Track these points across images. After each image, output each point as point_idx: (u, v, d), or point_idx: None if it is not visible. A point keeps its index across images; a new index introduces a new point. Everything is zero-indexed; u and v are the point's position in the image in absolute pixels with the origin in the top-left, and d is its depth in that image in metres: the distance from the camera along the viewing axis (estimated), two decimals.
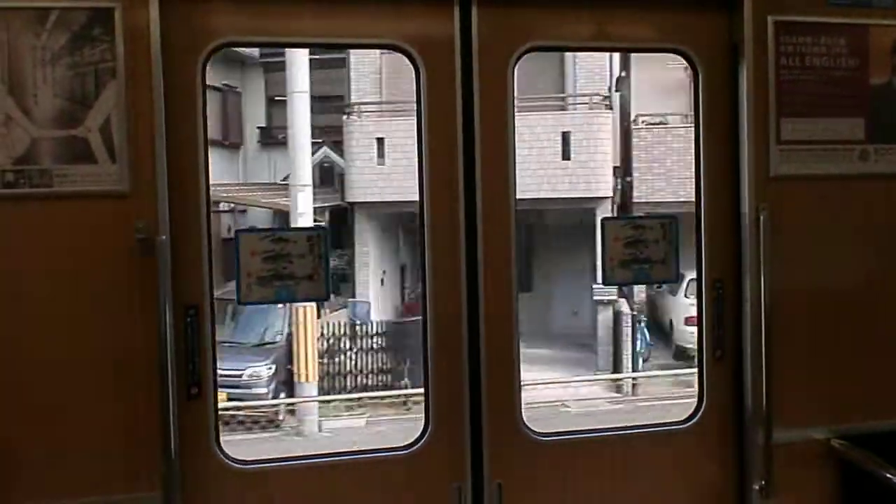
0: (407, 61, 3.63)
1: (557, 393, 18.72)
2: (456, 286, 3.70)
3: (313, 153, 19.98)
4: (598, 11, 3.83)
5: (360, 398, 19.00)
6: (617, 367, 21.02)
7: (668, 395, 18.00)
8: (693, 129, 3.97)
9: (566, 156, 21.63)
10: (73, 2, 3.25)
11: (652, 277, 4.01)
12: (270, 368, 18.69)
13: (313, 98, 18.67)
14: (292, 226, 17.13)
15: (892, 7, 3.97)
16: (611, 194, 22.06)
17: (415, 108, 3.70)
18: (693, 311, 18.56)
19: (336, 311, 21.40)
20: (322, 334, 19.79)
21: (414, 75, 3.67)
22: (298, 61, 17.94)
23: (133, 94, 3.30)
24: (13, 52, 3.22)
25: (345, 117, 22.69)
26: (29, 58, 3.23)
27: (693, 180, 3.97)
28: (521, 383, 3.84)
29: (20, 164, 3.25)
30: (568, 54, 20.90)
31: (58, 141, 3.27)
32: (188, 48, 3.42)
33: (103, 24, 3.28)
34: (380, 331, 20.69)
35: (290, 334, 18.79)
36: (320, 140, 23.79)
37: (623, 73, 24.28)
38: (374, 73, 22.48)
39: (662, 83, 21.39)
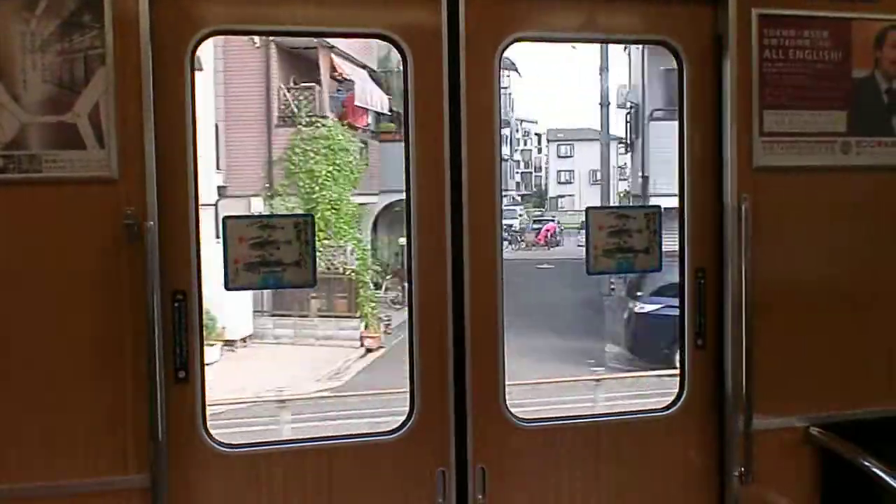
0: None
1: None
2: (441, 273, 3.73)
3: None
4: (585, 3, 3.86)
5: None
6: None
7: None
8: (677, 119, 4.02)
9: None
10: None
11: (635, 267, 4.05)
12: None
13: None
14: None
15: (875, 1, 4.01)
16: None
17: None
18: None
19: None
20: None
21: (401, 64, 3.70)
22: None
23: (122, 81, 3.32)
24: (2, 38, 3.23)
25: None
26: (18, 44, 3.25)
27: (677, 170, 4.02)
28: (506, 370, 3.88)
29: (9, 149, 3.26)
30: None
31: (47, 126, 3.29)
32: (177, 35, 3.44)
33: (93, 11, 3.29)
34: None
35: None
36: None
37: None
38: None
39: None
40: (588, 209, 4.03)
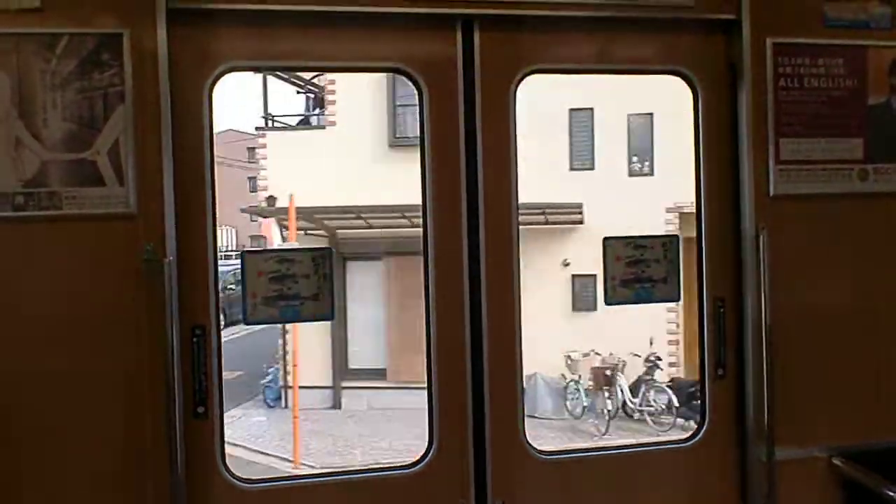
0: None
1: None
2: (459, 305, 3.73)
3: None
4: (599, 35, 3.88)
5: None
6: None
7: None
8: (694, 149, 4.02)
9: None
10: (83, 27, 3.31)
11: (654, 297, 4.03)
12: None
13: None
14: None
15: (890, 28, 4.02)
16: None
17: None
18: None
19: None
20: None
21: (417, 98, 3.72)
22: None
23: (141, 118, 3.35)
24: (24, 77, 3.28)
25: None
26: (39, 82, 3.29)
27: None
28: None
29: (30, 186, 3.30)
30: None
31: (67, 164, 3.32)
32: (195, 72, 3.48)
33: (112, 49, 3.33)
34: None
35: None
36: None
37: None
38: None
39: None
40: (605, 239, 4.03)
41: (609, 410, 17.73)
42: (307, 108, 25.70)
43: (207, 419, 3.51)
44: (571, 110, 19.43)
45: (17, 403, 3.31)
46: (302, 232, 18.46)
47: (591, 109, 19.42)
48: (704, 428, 3.98)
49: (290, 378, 18.39)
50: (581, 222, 19.10)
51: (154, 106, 3.35)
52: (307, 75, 22.64)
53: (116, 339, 3.38)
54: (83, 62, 3.32)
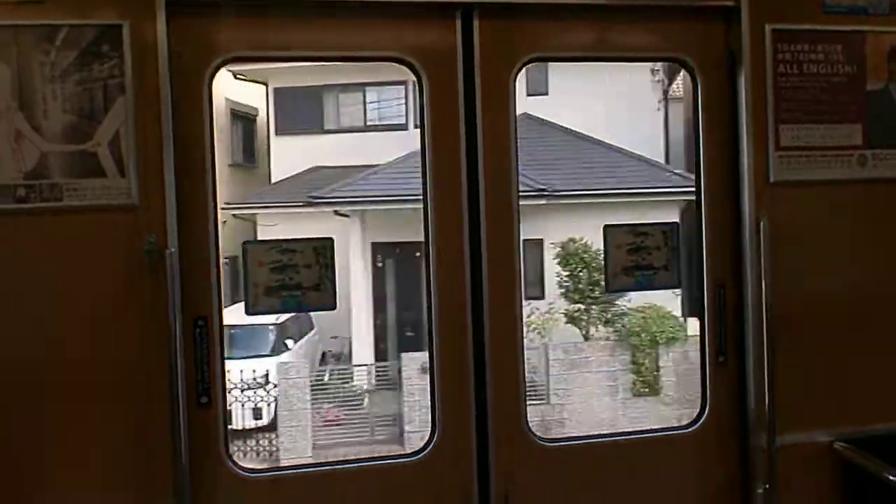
0: None
1: None
2: (461, 294, 3.74)
3: None
4: (598, 22, 3.88)
5: None
6: None
7: None
8: (694, 135, 4.02)
9: None
10: (82, 19, 3.31)
11: (655, 284, 4.04)
12: None
13: None
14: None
15: (888, 14, 4.01)
16: None
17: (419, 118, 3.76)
18: None
19: None
20: None
21: (417, 87, 3.73)
22: None
23: (141, 109, 3.36)
24: (23, 69, 3.28)
25: None
26: (39, 74, 3.29)
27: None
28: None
29: (31, 178, 3.30)
30: None
31: (68, 155, 3.33)
32: (195, 63, 3.48)
33: (111, 41, 3.33)
34: None
35: None
36: None
37: None
38: None
39: None
40: (606, 227, 4.03)
41: None
42: None
43: (211, 409, 3.52)
44: None
45: (20, 395, 3.32)
46: None
47: None
48: (706, 413, 4.00)
49: None
50: None
51: (154, 97, 3.36)
52: None
53: (119, 331, 3.38)
54: (83, 53, 3.32)
